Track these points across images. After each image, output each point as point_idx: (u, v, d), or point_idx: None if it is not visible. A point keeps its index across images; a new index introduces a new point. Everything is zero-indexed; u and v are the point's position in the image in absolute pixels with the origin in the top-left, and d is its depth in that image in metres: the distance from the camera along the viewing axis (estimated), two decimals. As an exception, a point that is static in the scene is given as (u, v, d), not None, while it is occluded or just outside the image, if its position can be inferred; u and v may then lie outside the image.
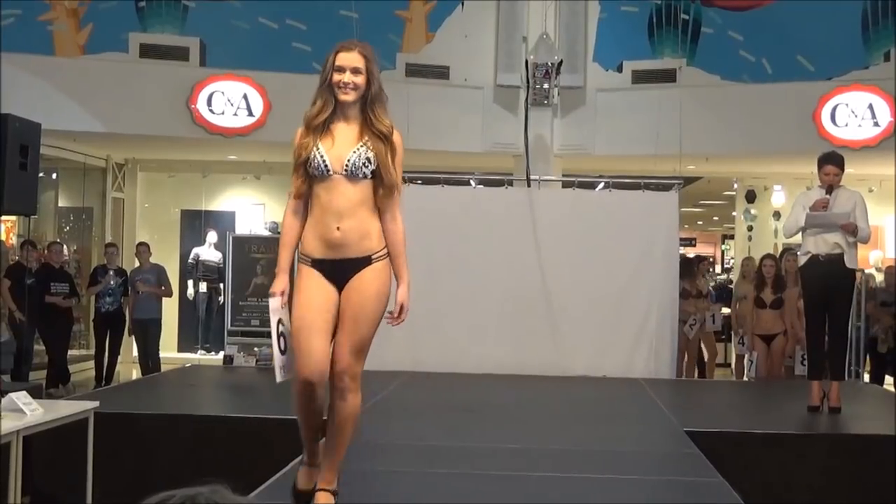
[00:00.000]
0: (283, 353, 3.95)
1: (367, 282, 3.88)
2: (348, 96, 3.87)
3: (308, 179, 3.88)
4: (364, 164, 3.83)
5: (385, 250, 3.93)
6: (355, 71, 3.86)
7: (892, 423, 7.38)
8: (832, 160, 7.31)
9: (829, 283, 7.13)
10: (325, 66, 3.92)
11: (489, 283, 9.82)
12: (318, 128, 3.89)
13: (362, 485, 5.10)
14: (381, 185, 3.86)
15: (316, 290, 3.86)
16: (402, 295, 3.96)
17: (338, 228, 3.83)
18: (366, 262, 3.88)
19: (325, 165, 3.82)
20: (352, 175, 3.83)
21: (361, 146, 3.85)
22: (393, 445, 6.01)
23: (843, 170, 7.28)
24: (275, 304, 3.96)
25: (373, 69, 3.93)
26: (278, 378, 3.96)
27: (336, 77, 3.86)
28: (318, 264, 3.88)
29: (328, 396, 3.93)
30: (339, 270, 3.88)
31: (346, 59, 3.87)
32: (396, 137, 3.95)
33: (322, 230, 3.86)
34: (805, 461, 6.34)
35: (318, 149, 3.84)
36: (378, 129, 3.89)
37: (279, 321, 3.95)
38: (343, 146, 3.86)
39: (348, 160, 3.82)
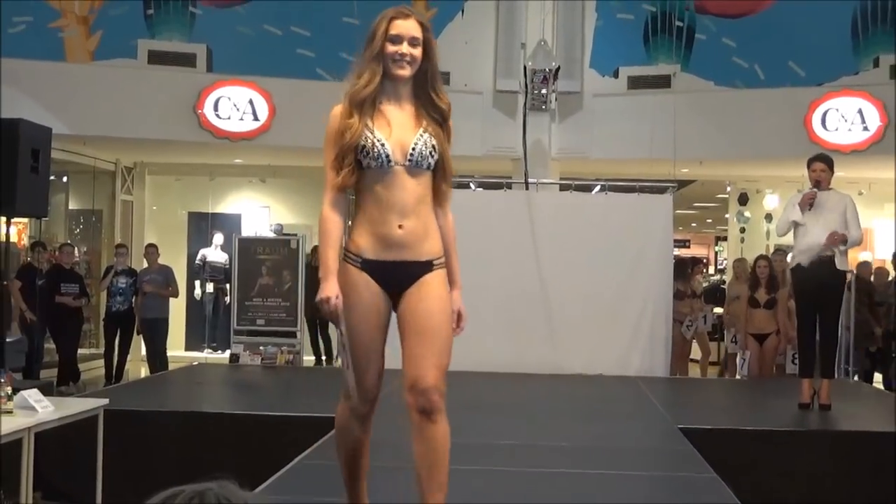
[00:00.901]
0: (348, 367, 3.34)
1: (434, 288, 3.33)
2: (405, 71, 3.25)
3: (356, 169, 3.24)
4: (430, 153, 3.25)
5: (443, 257, 3.39)
6: (413, 42, 3.24)
7: (881, 420, 7.40)
8: (820, 158, 7.36)
9: (819, 284, 7.13)
10: (373, 36, 3.26)
11: (488, 283, 9.79)
12: (366, 106, 3.24)
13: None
14: (440, 177, 3.32)
15: (370, 300, 3.29)
16: (458, 301, 3.45)
17: (400, 227, 3.23)
18: (426, 267, 3.32)
19: (387, 155, 3.20)
20: (416, 166, 3.23)
21: (423, 132, 3.26)
22: (392, 442, 6.00)
23: (832, 169, 7.27)
24: (330, 311, 3.27)
25: (431, 40, 3.30)
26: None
27: (391, 48, 3.22)
28: (370, 266, 3.28)
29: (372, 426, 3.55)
30: (395, 275, 3.29)
31: (402, 28, 3.23)
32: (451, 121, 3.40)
33: (381, 228, 3.24)
34: (796, 457, 6.35)
35: (373, 134, 3.21)
36: (438, 109, 3.31)
37: (341, 332, 3.32)
38: (403, 132, 3.25)
39: (413, 149, 3.22)
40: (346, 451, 3.51)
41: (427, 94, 3.30)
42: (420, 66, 3.27)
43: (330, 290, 3.22)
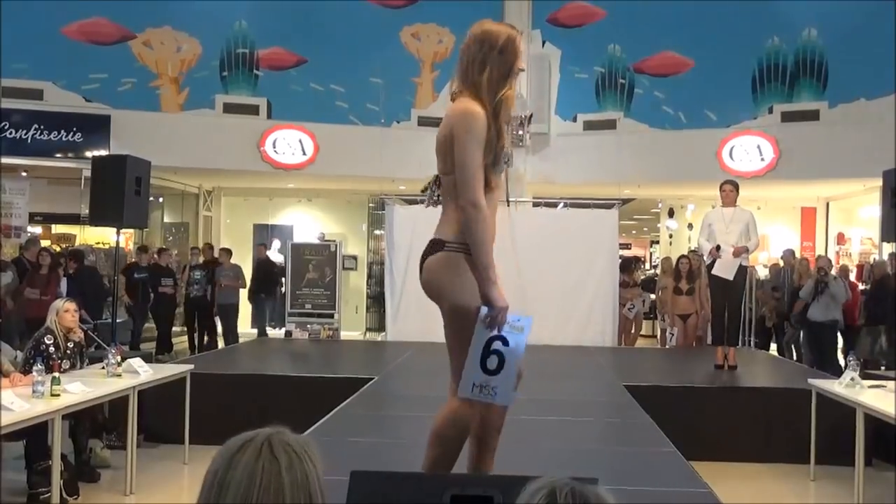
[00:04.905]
0: (494, 373, 2.58)
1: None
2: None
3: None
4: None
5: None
6: None
7: (772, 378, 7.37)
8: (728, 182, 7.38)
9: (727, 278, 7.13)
10: (503, 49, 2.46)
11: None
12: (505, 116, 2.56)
13: (381, 421, 5.10)
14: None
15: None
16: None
17: None
18: None
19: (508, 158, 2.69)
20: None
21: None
22: (404, 395, 6.02)
23: (737, 190, 7.28)
24: (488, 316, 2.57)
25: None
26: (502, 401, 2.61)
27: (521, 64, 2.52)
28: None
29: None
30: None
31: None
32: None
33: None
34: (711, 405, 6.35)
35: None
36: None
37: (501, 339, 2.54)
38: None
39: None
40: (454, 442, 2.68)
41: None
42: None
43: (504, 299, 2.56)
